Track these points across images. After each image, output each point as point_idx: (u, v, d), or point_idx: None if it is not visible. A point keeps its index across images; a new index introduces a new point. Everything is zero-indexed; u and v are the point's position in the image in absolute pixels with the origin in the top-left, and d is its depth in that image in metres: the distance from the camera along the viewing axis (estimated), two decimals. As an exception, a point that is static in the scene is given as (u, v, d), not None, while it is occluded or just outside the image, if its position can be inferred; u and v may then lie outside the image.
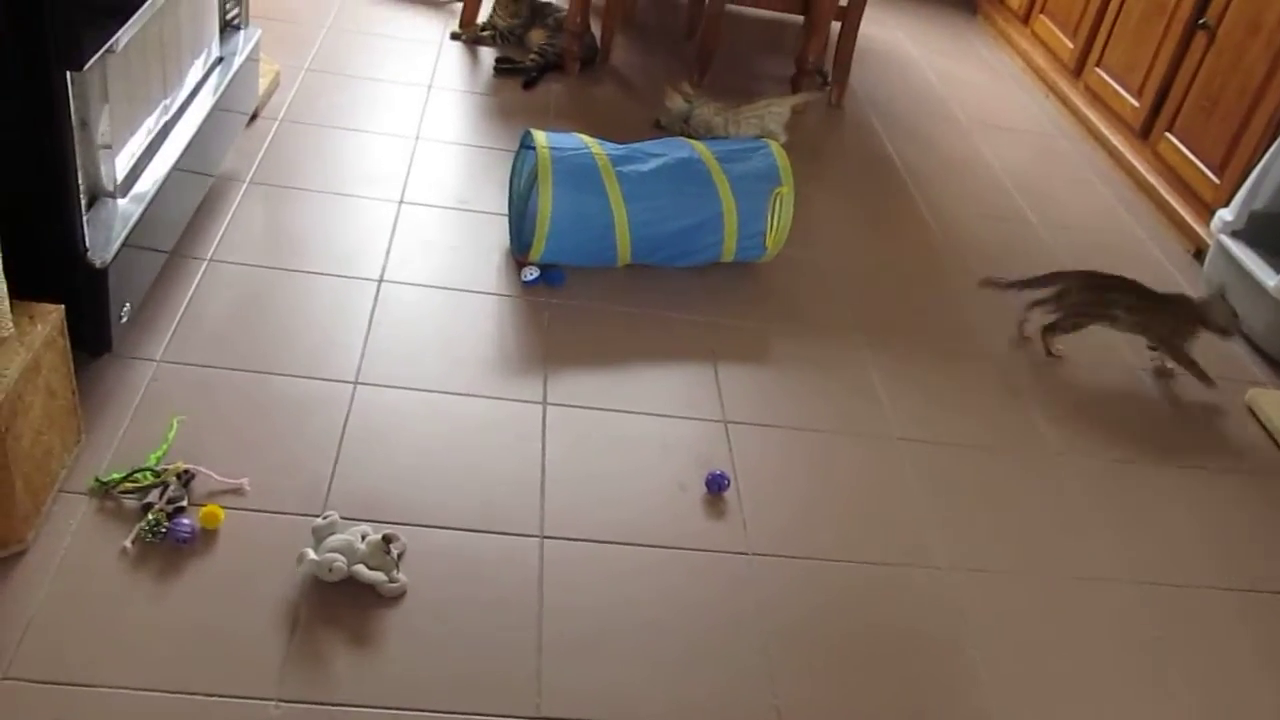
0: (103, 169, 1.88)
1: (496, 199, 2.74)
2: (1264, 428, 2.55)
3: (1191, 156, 3.30)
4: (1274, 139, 2.88)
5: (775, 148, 2.58)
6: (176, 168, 2.10)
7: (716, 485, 2.00)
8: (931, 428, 2.31)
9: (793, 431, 2.21)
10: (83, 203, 1.79)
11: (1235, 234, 2.93)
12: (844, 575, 1.92)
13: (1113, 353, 2.70)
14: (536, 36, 3.51)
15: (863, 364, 2.45)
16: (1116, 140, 3.71)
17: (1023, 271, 2.69)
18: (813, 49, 3.50)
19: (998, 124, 3.87)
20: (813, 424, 2.24)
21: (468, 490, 1.91)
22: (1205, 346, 2.67)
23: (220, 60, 2.43)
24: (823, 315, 2.59)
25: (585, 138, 2.49)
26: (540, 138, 2.42)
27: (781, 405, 2.27)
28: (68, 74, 1.65)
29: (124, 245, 1.88)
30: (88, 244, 1.81)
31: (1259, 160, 2.91)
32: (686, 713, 1.63)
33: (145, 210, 1.96)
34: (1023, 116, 3.99)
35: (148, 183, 2.01)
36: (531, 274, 2.44)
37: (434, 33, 3.60)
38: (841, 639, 1.80)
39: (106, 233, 1.87)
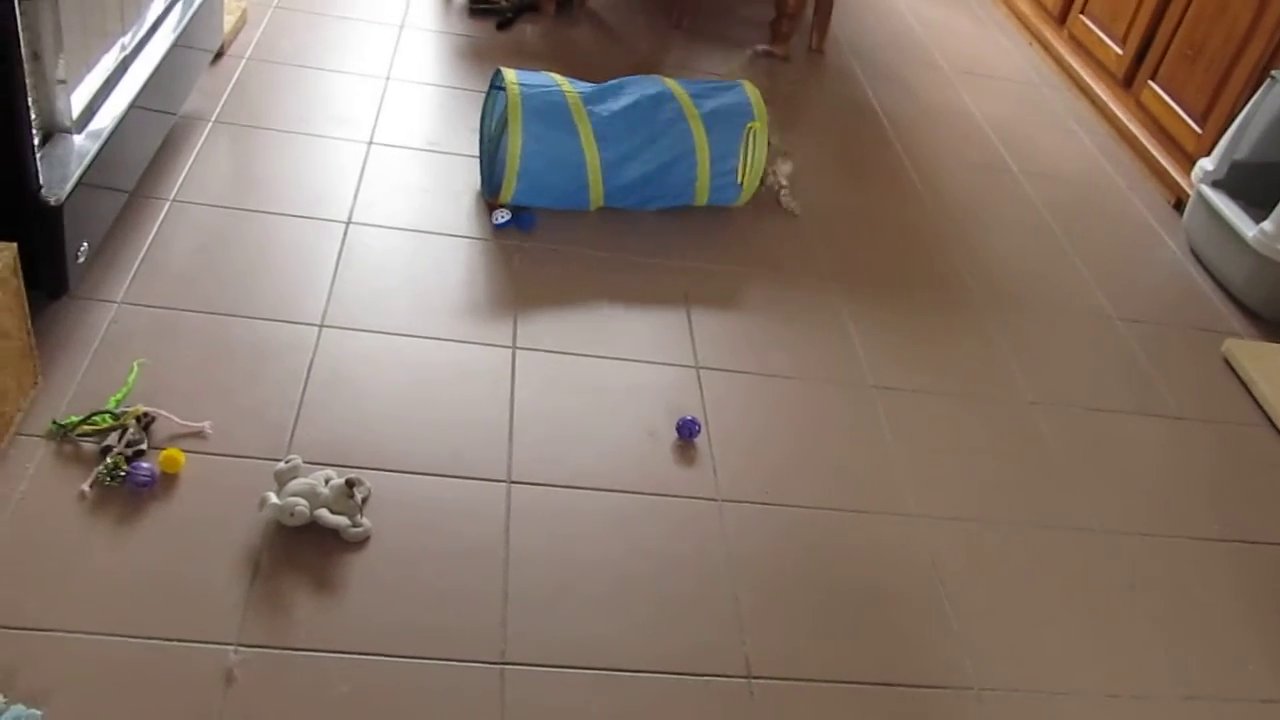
0: (57, 104, 1.82)
1: (468, 141, 2.69)
2: (1240, 379, 2.54)
3: (1174, 106, 3.27)
4: (1256, 88, 2.85)
5: (748, 85, 2.54)
6: (136, 105, 2.05)
7: (687, 431, 1.97)
8: (906, 376, 2.29)
9: (766, 378, 2.19)
10: (36, 138, 1.74)
11: (1216, 184, 2.91)
12: (815, 522, 1.90)
13: (1088, 301, 2.68)
14: (513, -24, 3.43)
15: (838, 311, 2.42)
16: (1099, 89, 3.67)
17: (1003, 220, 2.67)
18: (793, -8, 3.44)
19: (980, 72, 3.82)
20: (786, 371, 2.22)
21: (434, 435, 1.88)
22: (1175, 292, 2.66)
23: (183, -6, 2.36)
24: (799, 262, 2.56)
25: (556, 76, 2.44)
26: (510, 76, 2.37)
27: (755, 352, 2.25)
28: (16, 2, 1.59)
29: (80, 183, 1.82)
30: (41, 180, 1.76)
31: (1241, 109, 2.88)
32: (654, 659, 1.61)
33: (103, 147, 1.90)
34: (1006, 64, 3.94)
35: (106, 119, 1.95)
36: (502, 217, 2.40)
37: (407, -29, 3.52)
38: (812, 586, 1.79)
39: (62, 169, 1.81)
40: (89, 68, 1.95)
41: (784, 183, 2.56)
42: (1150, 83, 3.39)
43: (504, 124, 2.36)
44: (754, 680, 1.62)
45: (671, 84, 2.52)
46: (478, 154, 2.59)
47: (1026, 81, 3.84)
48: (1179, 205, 3.16)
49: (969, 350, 2.42)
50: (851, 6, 4.06)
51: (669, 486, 1.90)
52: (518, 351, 2.10)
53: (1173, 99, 3.28)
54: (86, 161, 1.85)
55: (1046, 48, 4.03)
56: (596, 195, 2.41)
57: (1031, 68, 3.95)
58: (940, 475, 2.07)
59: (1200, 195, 2.93)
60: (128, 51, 2.10)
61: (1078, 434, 2.26)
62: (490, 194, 2.47)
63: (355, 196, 2.41)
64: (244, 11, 2.96)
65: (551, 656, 1.58)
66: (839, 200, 2.85)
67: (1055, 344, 2.52)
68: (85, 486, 1.65)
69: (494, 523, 1.76)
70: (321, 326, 2.05)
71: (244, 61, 2.81)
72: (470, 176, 2.57)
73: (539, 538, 1.75)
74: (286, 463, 1.72)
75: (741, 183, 2.50)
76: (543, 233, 2.42)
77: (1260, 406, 2.47)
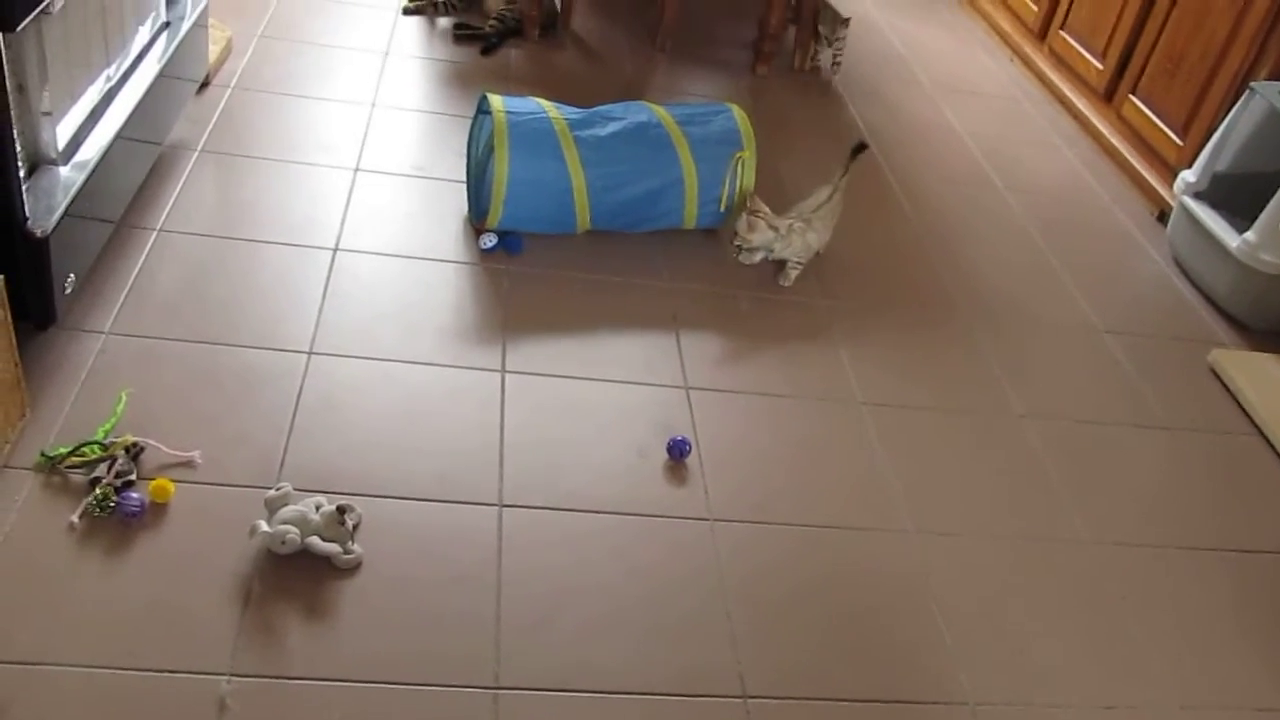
0: (43, 135, 1.83)
1: (454, 166, 2.69)
2: (1227, 388, 2.56)
3: (1155, 118, 3.29)
4: (1236, 99, 2.87)
5: (737, 110, 2.55)
6: (122, 135, 2.05)
7: (678, 451, 1.98)
8: (896, 392, 2.29)
9: (755, 397, 2.19)
10: (22, 170, 1.74)
11: (1198, 195, 2.93)
12: (808, 540, 1.90)
13: (1075, 314, 2.69)
14: (495, 2, 3.45)
15: (826, 329, 2.43)
16: (1081, 103, 3.70)
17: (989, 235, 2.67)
18: (775, 13, 3.46)
19: (962, 88, 3.85)
20: (776, 389, 2.22)
21: (425, 460, 1.88)
22: (1161, 303, 2.67)
23: (167, 25, 2.37)
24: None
25: (543, 101, 2.45)
26: (496, 101, 2.38)
27: (744, 371, 2.25)
28: (0, 35, 1.59)
29: (67, 214, 1.83)
30: (28, 212, 1.76)
31: (1221, 121, 2.90)
32: (648, 681, 1.61)
33: (89, 179, 1.91)
34: (987, 80, 3.97)
35: (91, 150, 1.96)
36: (489, 241, 2.40)
37: (391, -1, 3.54)
38: (806, 604, 1.79)
39: (48, 201, 1.82)
40: (74, 99, 1.95)
41: (799, 260, 2.54)
42: (1131, 96, 3.41)
43: (490, 149, 2.37)
44: (749, 700, 1.61)
45: (659, 110, 2.53)
46: (464, 179, 2.60)
47: (1009, 97, 3.87)
48: (1163, 217, 3.18)
49: (957, 365, 2.43)
50: (833, 26, 4.09)
51: (660, 507, 1.89)
52: (507, 375, 2.10)
53: (1154, 112, 3.30)
54: (73, 193, 1.85)
55: (1027, 63, 4.06)
56: (583, 219, 2.41)
57: (1013, 83, 3.98)
58: (932, 490, 2.07)
59: (1183, 207, 2.95)
60: (113, 82, 2.11)
61: (1068, 446, 2.27)
62: (477, 219, 2.47)
63: (342, 223, 2.42)
64: (229, 40, 2.97)
65: (545, 680, 1.58)
66: (825, 218, 2.86)
67: (1043, 357, 2.53)
68: (74, 518, 1.65)
69: (486, 547, 1.75)
70: (310, 354, 2.05)
71: (229, 90, 2.82)
72: (457, 201, 2.58)
73: (531, 561, 1.75)
74: (277, 490, 1.71)
75: (726, 210, 2.51)
76: (530, 256, 2.43)
77: (1248, 415, 2.48)
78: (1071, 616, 1.89)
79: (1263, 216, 2.65)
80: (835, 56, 3.59)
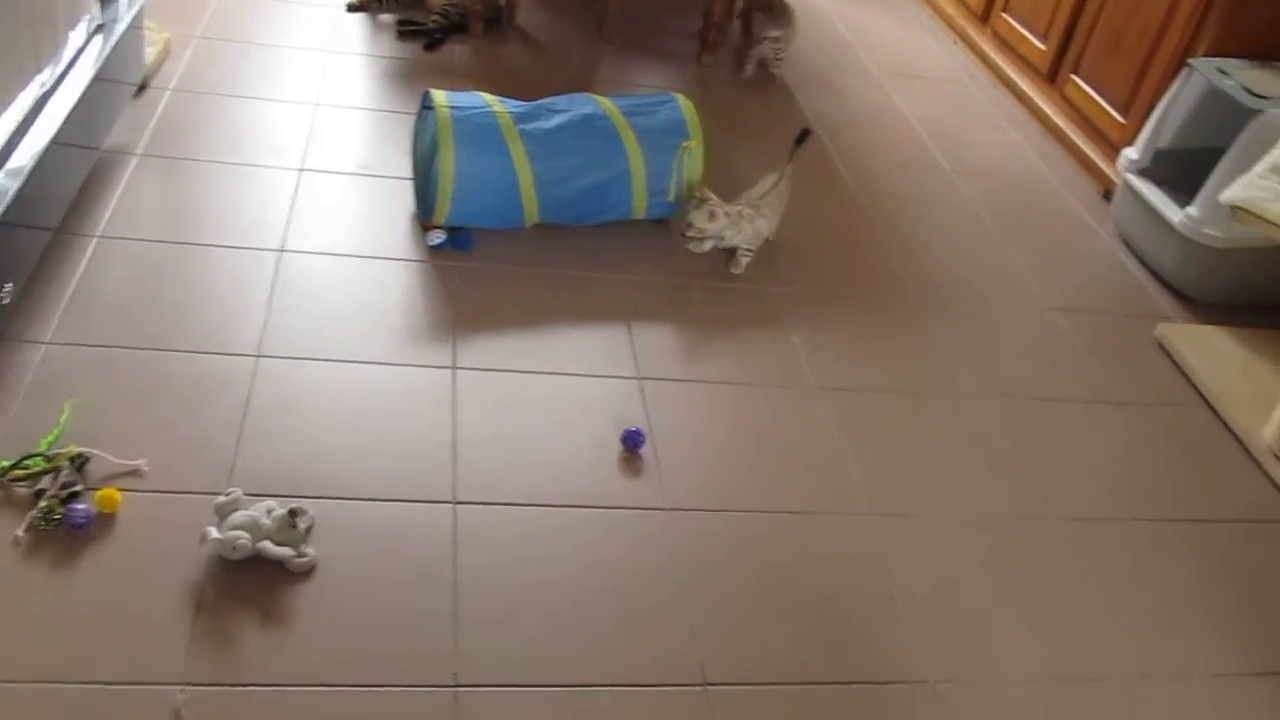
0: (-28, 143, 1.80)
1: (401, 163, 2.67)
2: (1174, 362, 2.59)
3: (1098, 98, 3.32)
4: (1175, 77, 2.91)
5: (682, 100, 2.55)
6: (56, 141, 2.01)
7: (633, 442, 1.97)
8: (850, 376, 2.30)
9: (709, 385, 2.19)
10: (-49, 179, 1.70)
11: (1142, 172, 2.96)
12: (764, 526, 1.91)
13: (1025, 293, 2.72)
14: (439, -2, 3.43)
15: (779, 315, 2.43)
16: (1025, 84, 3.73)
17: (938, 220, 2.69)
18: (718, 3, 3.46)
19: (909, 73, 3.86)
20: (729, 377, 2.23)
21: (378, 460, 1.87)
22: (1109, 280, 2.70)
23: (101, 28, 2.33)
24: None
25: (487, 96, 2.44)
26: (440, 97, 2.36)
27: (697, 360, 2.25)
28: (-76, 42, 1.56)
29: (1, 223, 1.79)
30: (-41, 222, 1.73)
31: (1162, 99, 2.93)
32: (608, 672, 1.60)
33: (23, 186, 1.87)
34: (933, 64, 3.99)
35: (25, 157, 1.92)
36: (438, 238, 2.39)
37: (333, -4, 3.50)
38: (765, 590, 1.79)
39: (-19, 210, 1.78)
40: (5, 106, 1.91)
41: (749, 248, 2.53)
42: (1073, 76, 3.44)
43: (436, 146, 2.35)
44: (710, 687, 1.61)
45: (604, 101, 2.52)
46: (411, 176, 2.57)
47: (954, 80, 3.89)
48: (1108, 195, 3.21)
49: (911, 348, 2.44)
50: (779, 14, 4.09)
51: (616, 499, 1.89)
52: (459, 371, 2.09)
53: (1096, 91, 3.34)
54: (6, 201, 1.81)
55: (972, 46, 4.09)
56: (532, 213, 2.40)
57: (959, 67, 4.01)
58: (888, 473, 2.08)
59: (1127, 184, 2.99)
60: (46, 88, 2.06)
61: (1021, 424, 2.29)
62: (425, 215, 2.45)
63: (288, 224, 2.39)
64: (166, 42, 2.93)
65: (505, 676, 1.57)
66: (775, 205, 2.86)
67: (995, 337, 2.54)
68: (19, 532, 1.62)
69: (442, 545, 1.74)
70: (259, 357, 2.02)
71: (169, 93, 2.78)
72: (404, 199, 2.55)
73: (488, 557, 1.74)
74: (227, 495, 1.69)
75: (674, 200, 2.51)
76: (480, 252, 2.41)
77: (1195, 387, 2.51)
78: (1032, 593, 1.90)
79: (1204, 191, 2.69)
80: (775, 54, 3.49)
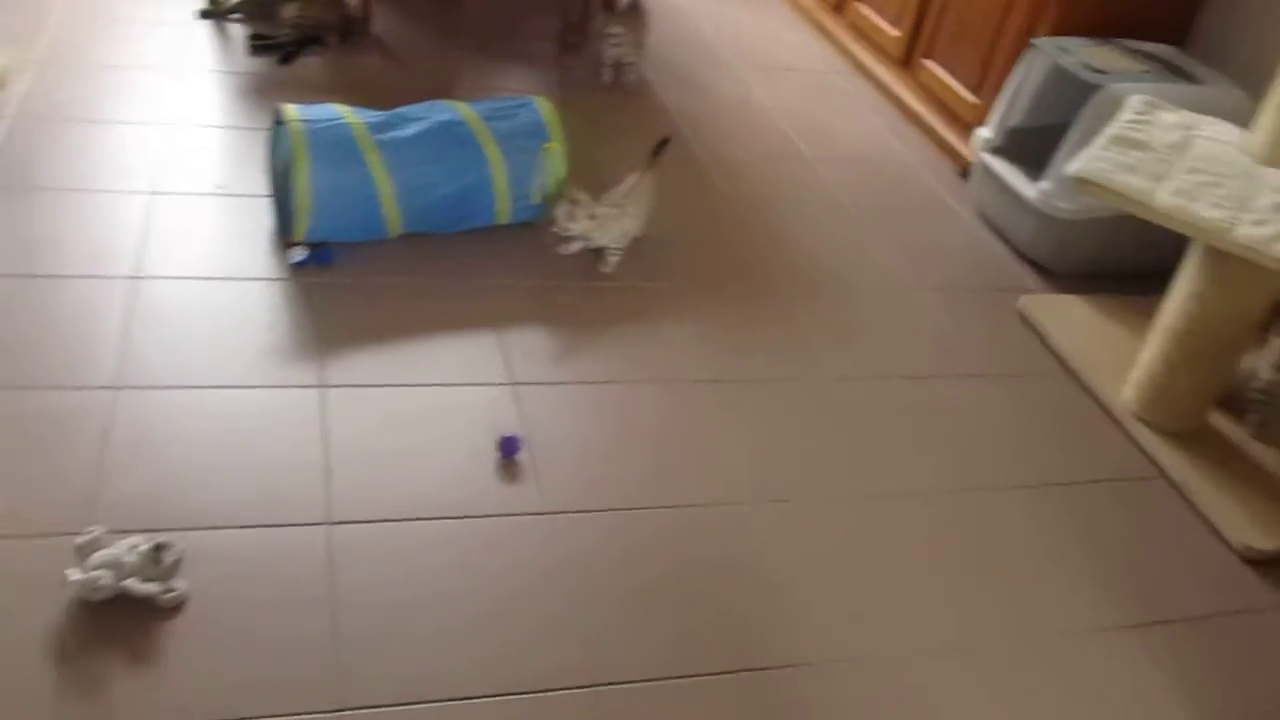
0: None
1: (258, 181, 2.60)
2: (1036, 333, 2.67)
3: (950, 81, 3.41)
4: (1021, 56, 3.00)
5: (541, 102, 2.54)
6: (-118, 176, 1.92)
7: (509, 449, 1.96)
8: (723, 367, 2.32)
9: (585, 386, 2.19)
10: None
11: (995, 150, 3.05)
12: (647, 522, 1.91)
13: (891, 275, 2.78)
14: (290, 9, 3.35)
15: (652, 311, 2.44)
16: (881, 71, 3.81)
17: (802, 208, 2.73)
18: (574, 3, 3.46)
19: (769, 65, 3.92)
20: (605, 376, 2.23)
21: (247, 486, 1.82)
22: (971, 257, 2.78)
23: (-74, 56, 2.23)
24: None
25: (340, 107, 2.40)
26: (292, 111, 2.31)
27: (571, 361, 2.25)
28: None
29: None
30: None
31: (1010, 78, 3.02)
32: (495, 683, 1.59)
33: None
34: (793, 56, 4.05)
35: None
36: (300, 255, 2.34)
37: (181, 12, 3.39)
38: (647, 586, 1.79)
39: None
40: None
41: (617, 246, 2.53)
42: (926, 61, 3.53)
43: (291, 161, 2.30)
44: (598, 689, 1.61)
45: (462, 107, 2.50)
46: (269, 193, 2.52)
47: (814, 70, 3.96)
48: (965, 174, 3.30)
49: (784, 336, 2.47)
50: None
51: (495, 507, 1.88)
52: (329, 390, 2.05)
53: (948, 74, 3.43)
54: None
55: (829, 37, 4.16)
56: (394, 224, 2.37)
57: (818, 57, 4.07)
58: (765, 460, 2.11)
59: (982, 162, 3.07)
60: None
61: (893, 403, 2.34)
62: (285, 233, 2.40)
63: (142, 249, 2.31)
64: (4, 68, 2.81)
65: (390, 695, 1.54)
66: (643, 203, 2.87)
67: (865, 320, 2.59)
68: None
69: (317, 567, 1.70)
70: (116, 388, 1.95)
71: (9, 121, 2.67)
72: (263, 217, 2.49)
73: (367, 576, 1.71)
74: (88, 535, 1.63)
75: (540, 203, 2.50)
76: (343, 266, 2.37)
77: (1057, 356, 2.60)
78: (914, 566, 1.94)
79: (1054, 165, 2.78)
80: (622, 55, 3.41)
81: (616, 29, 3.41)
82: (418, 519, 1.82)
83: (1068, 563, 2.03)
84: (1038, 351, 2.62)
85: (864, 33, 3.92)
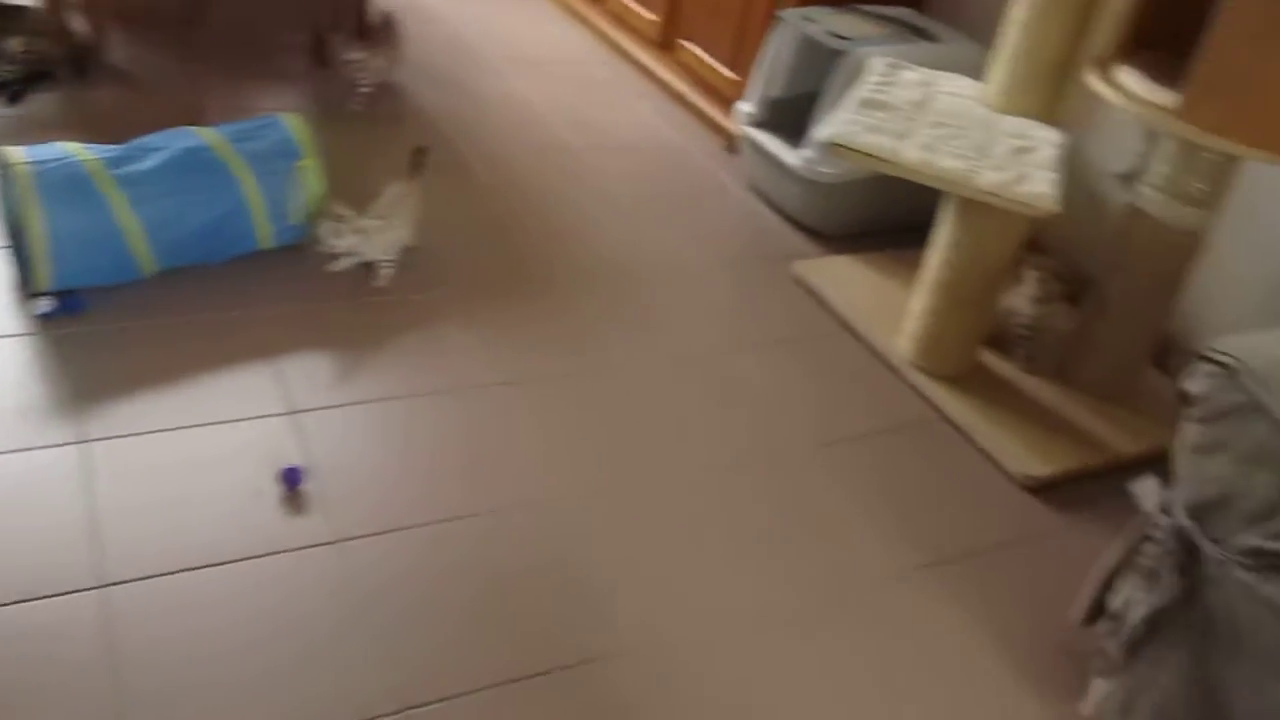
0: None
1: (-6, 232, 2.43)
2: (814, 295, 2.75)
3: (708, 59, 3.48)
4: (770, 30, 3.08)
5: (289, 119, 2.45)
6: None
7: (292, 480, 1.89)
8: (511, 368, 2.30)
9: (370, 405, 2.13)
10: None
11: (758, 124, 3.12)
12: (442, 536, 1.87)
13: (672, 257, 2.80)
14: (14, 44, 3.14)
15: (432, 320, 2.40)
16: (643, 56, 3.85)
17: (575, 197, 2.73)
18: (322, 15, 3.36)
19: (532, 60, 3.90)
20: (390, 392, 2.17)
21: (4, 560, 1.69)
22: (747, 230, 2.83)
23: None
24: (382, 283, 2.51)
25: (70, 145, 2.25)
26: (14, 154, 2.16)
27: (353, 381, 2.18)
28: None
29: None
30: None
31: (763, 52, 3.10)
32: (299, 724, 1.53)
33: None
34: (554, 48, 4.05)
35: None
36: (46, 306, 2.19)
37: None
38: (449, 601, 1.76)
39: None
40: None
41: (389, 259, 2.45)
42: (684, 42, 3.59)
43: (20, 207, 2.15)
44: (409, 712, 1.57)
45: (205, 132, 2.39)
46: (6, 244, 2.35)
47: (577, 61, 3.96)
48: (731, 148, 3.36)
49: (570, 330, 2.47)
50: (394, 18, 4.03)
51: (283, 543, 1.80)
52: (91, 444, 1.92)
53: (706, 53, 3.49)
54: None
55: (589, 26, 4.17)
56: (147, 262, 2.24)
57: (581, 48, 4.08)
58: (566, 456, 2.10)
59: (746, 136, 3.14)
60: None
61: (687, 383, 2.36)
62: (28, 285, 2.24)
63: None
64: None
65: (185, 757, 1.46)
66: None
67: (649, 304, 2.61)
68: None
69: (91, 634, 1.60)
70: None
71: None
72: (3, 269, 2.33)
73: (150, 635, 1.61)
74: None
75: (302, 223, 2.42)
76: (97, 313, 2.23)
77: (836, 316, 2.68)
78: (719, 544, 1.97)
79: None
80: (360, 80, 3.23)
81: (357, 55, 3.23)
82: (200, 567, 1.73)
83: (871, 513, 2.09)
84: (817, 313, 2.69)
85: (622, 19, 3.96)
